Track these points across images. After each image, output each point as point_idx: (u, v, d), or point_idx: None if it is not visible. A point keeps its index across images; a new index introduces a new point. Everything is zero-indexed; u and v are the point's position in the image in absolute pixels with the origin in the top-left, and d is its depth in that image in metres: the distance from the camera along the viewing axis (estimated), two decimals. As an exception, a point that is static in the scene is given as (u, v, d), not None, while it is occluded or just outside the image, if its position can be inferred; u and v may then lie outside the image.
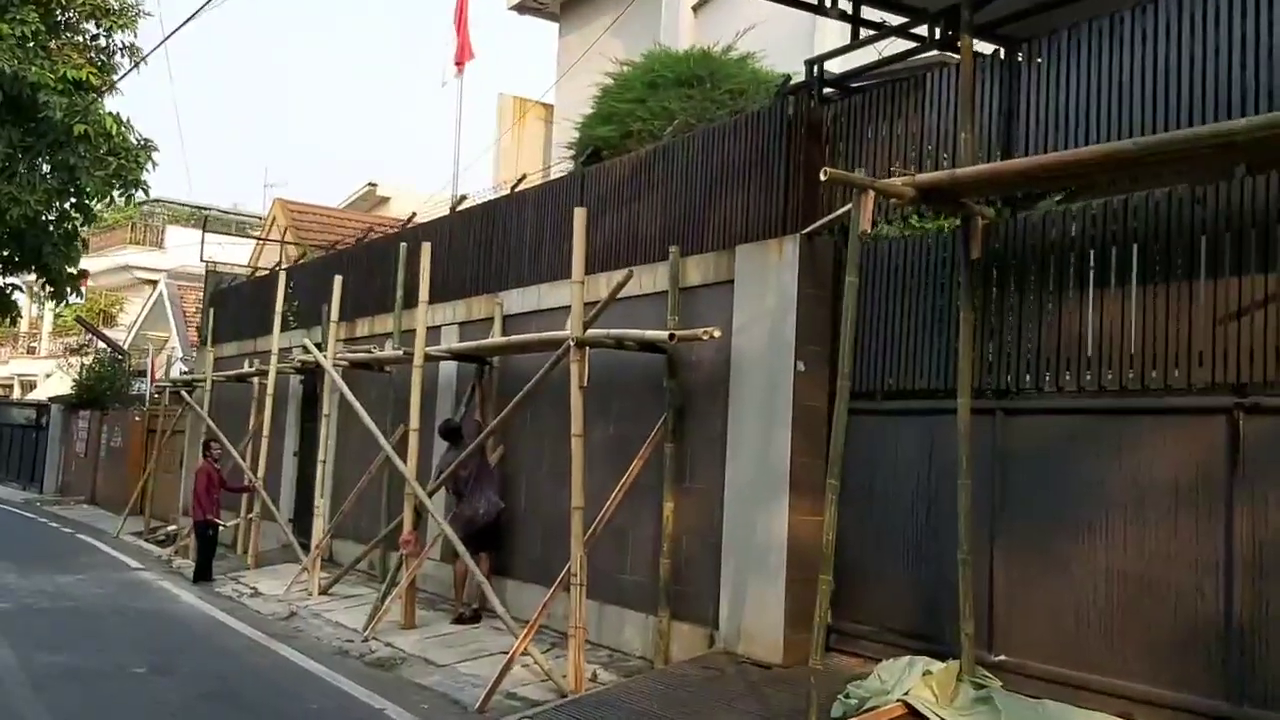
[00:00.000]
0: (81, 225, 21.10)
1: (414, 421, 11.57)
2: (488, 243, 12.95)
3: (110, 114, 20.10)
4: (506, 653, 10.04)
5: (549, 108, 26.22)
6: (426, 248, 11.74)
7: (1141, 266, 6.61)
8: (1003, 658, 7.13)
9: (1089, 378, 6.81)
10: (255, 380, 18.28)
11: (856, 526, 8.21)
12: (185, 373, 28.41)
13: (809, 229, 8.43)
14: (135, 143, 20.56)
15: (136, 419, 26.38)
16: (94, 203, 21.01)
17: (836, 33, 14.29)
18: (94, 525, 22.94)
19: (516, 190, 12.67)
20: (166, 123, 41.08)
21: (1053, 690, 6.70)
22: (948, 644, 7.34)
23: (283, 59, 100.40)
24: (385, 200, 32.90)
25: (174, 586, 14.62)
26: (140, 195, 20.75)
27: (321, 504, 13.75)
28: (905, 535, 7.91)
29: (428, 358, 11.74)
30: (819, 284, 8.47)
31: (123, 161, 20.36)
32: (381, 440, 12.28)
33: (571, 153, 13.21)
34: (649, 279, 9.99)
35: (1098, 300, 6.81)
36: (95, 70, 19.88)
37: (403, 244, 14.36)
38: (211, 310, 21.75)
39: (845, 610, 8.25)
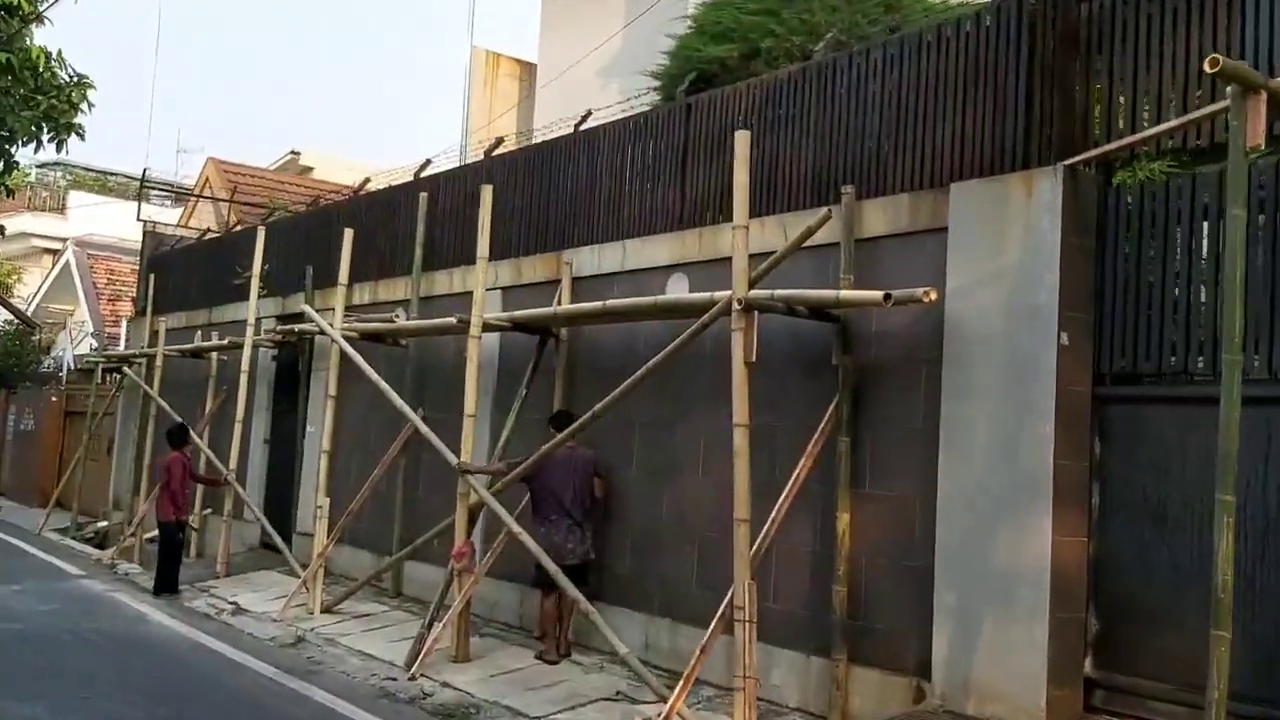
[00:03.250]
0: (3, 174, 18.16)
1: (470, 405, 9.32)
2: (542, 193, 10.73)
3: (39, 46, 17.27)
4: (611, 698, 8.02)
5: (524, 65, 24.01)
6: (488, 192, 9.46)
7: None
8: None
9: None
10: (213, 356, 15.77)
11: (1134, 549, 6.30)
12: (97, 348, 25.50)
13: (1078, 159, 6.44)
14: (67, 79, 17.70)
15: (53, 399, 23.41)
16: (18, 148, 18.08)
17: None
18: (7, 520, 20.02)
19: (581, 129, 10.46)
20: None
21: None
22: (1300, 711, 5.47)
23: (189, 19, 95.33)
24: (309, 170, 30.40)
25: (134, 600, 12.11)
26: (75, 141, 17.88)
27: (324, 504, 11.36)
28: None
29: (486, 327, 9.49)
30: (1082, 232, 6.50)
31: (53, 101, 17.51)
32: (423, 428, 9.99)
33: (657, 83, 11.03)
34: (798, 229, 7.92)
35: None
36: (25, -5, 17.00)
37: (422, 194, 12.11)
38: (151, 276, 19.01)
39: (1119, 658, 6.33)
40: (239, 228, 18.61)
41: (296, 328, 12.48)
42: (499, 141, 11.73)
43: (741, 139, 7.15)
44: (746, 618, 6.75)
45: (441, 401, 11.33)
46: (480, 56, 23.71)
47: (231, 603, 11.79)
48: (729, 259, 8.45)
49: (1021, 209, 6.58)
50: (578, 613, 8.55)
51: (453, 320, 9.72)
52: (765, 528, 7.25)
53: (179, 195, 25.94)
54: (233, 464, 13.70)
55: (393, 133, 79.30)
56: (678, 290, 8.92)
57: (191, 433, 13.71)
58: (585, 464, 9.03)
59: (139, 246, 25.61)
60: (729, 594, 6.97)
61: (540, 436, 9.28)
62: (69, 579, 13.61)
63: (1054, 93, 6.66)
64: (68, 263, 33.40)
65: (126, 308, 30.10)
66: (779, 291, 7.20)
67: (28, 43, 17.27)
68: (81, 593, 12.61)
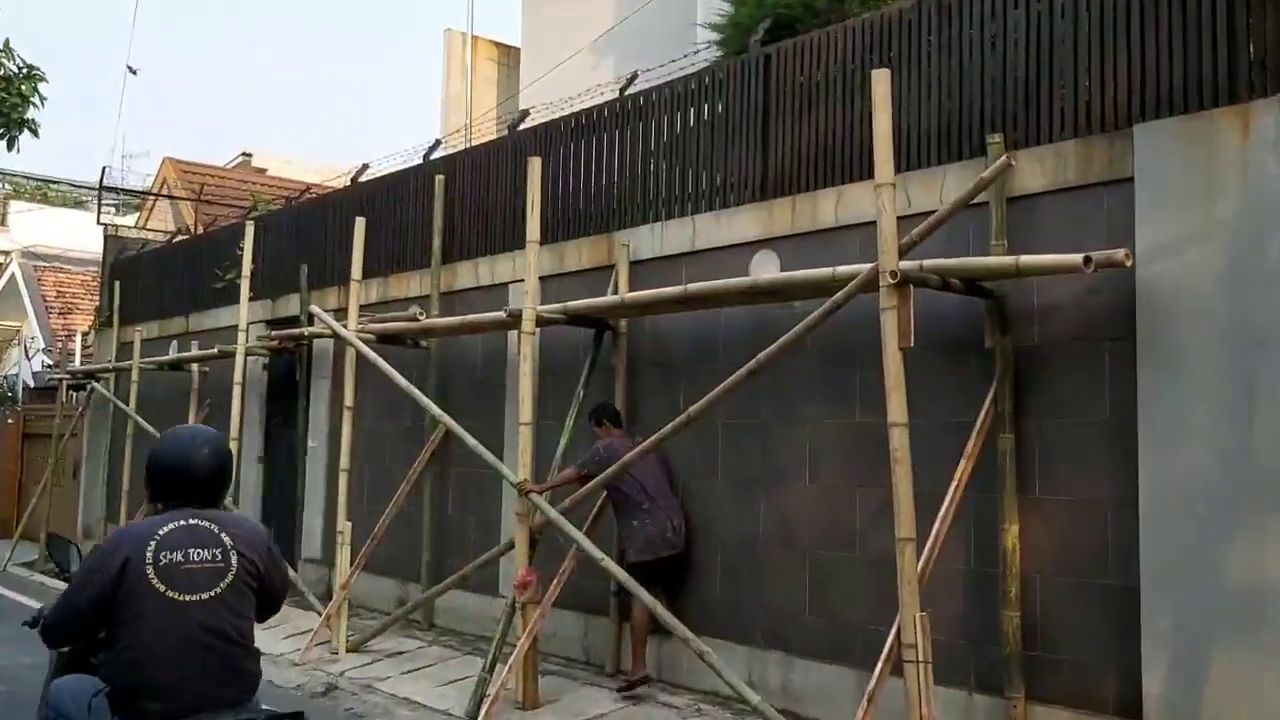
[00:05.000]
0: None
1: (525, 412, 8.07)
2: (585, 169, 9.47)
3: (-14, 34, 15.74)
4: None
5: (502, 48, 22.76)
6: (536, 165, 8.20)
7: None
8: None
9: None
10: (194, 367, 14.39)
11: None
12: (50, 364, 23.87)
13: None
14: (16, 70, 16.14)
15: (9, 421, 21.77)
16: (-34, 146, 16.51)
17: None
18: (-34, 555, 18.38)
19: (626, 95, 9.23)
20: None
21: None
22: None
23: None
24: (263, 171, 28.96)
25: (128, 646, 10.68)
26: (27, 138, 16.31)
27: (346, 528, 10.03)
28: None
29: (539, 321, 8.23)
30: (1314, 176, 5.39)
31: (2, 94, 15.96)
32: (470, 440, 8.68)
33: (718, 36, 9.81)
34: (923, 192, 6.81)
35: None
36: (-34, -18, 15.48)
37: (438, 177, 10.81)
38: (116, 284, 17.50)
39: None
40: (214, 227, 17.16)
41: (306, 331, 11.10)
42: (524, 115, 10.45)
43: (880, 78, 5.92)
44: (919, 657, 5.58)
45: (469, 407, 10.07)
46: (457, 40, 22.38)
47: (240, 644, 10.43)
48: (830, 230, 7.41)
49: (1236, 152, 5.45)
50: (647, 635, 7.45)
51: (501, 315, 8.46)
52: (929, 545, 6.07)
53: (141, 198, 24.31)
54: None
55: (354, 130, 77.45)
56: (765, 269, 7.74)
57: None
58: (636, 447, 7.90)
59: (89, 255, 23.96)
60: (893, 629, 5.79)
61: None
62: (48, 623, 12.13)
63: (1267, 10, 5.54)
64: (13, 275, 31.66)
65: (79, 320, 28.46)
66: (928, 261, 6.04)
67: (-28, 31, 15.80)
68: (67, 640, 11.15)
